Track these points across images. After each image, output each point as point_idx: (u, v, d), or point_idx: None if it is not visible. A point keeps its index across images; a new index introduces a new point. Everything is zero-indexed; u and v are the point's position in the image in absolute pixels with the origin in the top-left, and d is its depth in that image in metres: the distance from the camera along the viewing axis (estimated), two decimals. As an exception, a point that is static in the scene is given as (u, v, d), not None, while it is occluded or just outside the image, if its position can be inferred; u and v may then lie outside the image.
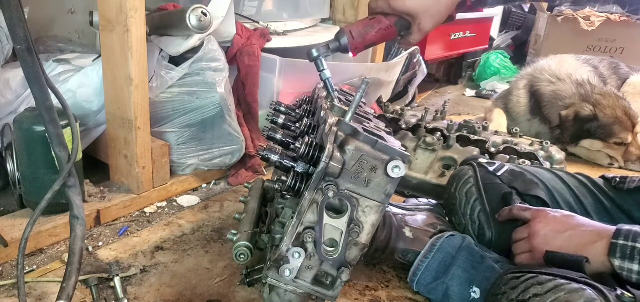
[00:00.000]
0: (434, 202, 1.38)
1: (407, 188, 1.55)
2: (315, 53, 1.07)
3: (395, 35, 1.09)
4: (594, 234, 0.86)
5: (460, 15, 3.77)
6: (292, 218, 0.81)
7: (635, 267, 0.78)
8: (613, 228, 0.84)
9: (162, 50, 1.53)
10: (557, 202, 1.07)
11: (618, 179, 1.06)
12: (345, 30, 1.07)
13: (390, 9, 1.06)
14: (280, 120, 1.13)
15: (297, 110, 1.24)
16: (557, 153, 1.57)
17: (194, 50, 1.53)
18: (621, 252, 0.79)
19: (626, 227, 0.82)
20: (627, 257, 0.79)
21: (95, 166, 1.56)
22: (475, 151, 1.53)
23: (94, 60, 1.55)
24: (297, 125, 1.10)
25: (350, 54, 1.09)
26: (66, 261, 0.97)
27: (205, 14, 1.43)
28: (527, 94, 2.55)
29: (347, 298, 1.16)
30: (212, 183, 1.72)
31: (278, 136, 1.00)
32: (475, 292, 0.96)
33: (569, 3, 3.97)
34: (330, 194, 0.76)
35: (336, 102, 1.02)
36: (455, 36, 3.42)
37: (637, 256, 0.78)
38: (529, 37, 4.42)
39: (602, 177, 1.12)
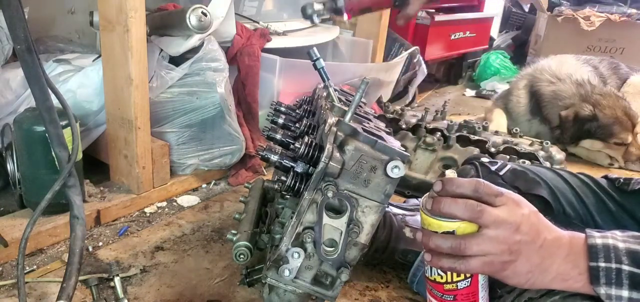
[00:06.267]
0: (434, 202, 1.38)
1: (407, 188, 1.55)
2: (309, 10, 1.06)
3: (389, 4, 1.09)
4: (564, 248, 0.70)
5: (460, 15, 3.73)
6: (292, 218, 0.81)
7: (624, 293, 0.65)
8: (582, 239, 0.70)
9: (162, 50, 1.53)
10: (559, 201, 1.07)
11: (621, 180, 1.05)
12: None
13: None
14: (280, 120, 1.13)
15: (297, 111, 1.24)
16: (557, 153, 1.57)
17: (194, 50, 1.53)
18: (606, 278, 0.66)
19: (599, 240, 0.68)
20: (614, 283, 0.65)
21: (95, 166, 1.56)
22: (476, 151, 1.53)
23: (94, 60, 1.55)
24: (297, 125, 1.10)
25: (345, 16, 1.08)
26: (66, 261, 0.98)
27: (205, 14, 1.43)
28: (527, 94, 2.55)
29: (347, 298, 1.16)
30: (212, 183, 1.72)
31: (278, 136, 1.00)
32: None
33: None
34: (330, 194, 0.76)
35: (331, 90, 1.02)
36: (455, 36, 3.42)
37: (626, 279, 0.65)
38: (529, 37, 4.41)
39: (605, 177, 1.11)
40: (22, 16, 0.84)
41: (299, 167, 0.84)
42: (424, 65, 2.83)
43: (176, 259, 1.26)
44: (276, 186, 0.87)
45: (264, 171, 1.76)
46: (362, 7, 1.08)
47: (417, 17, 3.00)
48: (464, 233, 0.72)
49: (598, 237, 0.69)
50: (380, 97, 2.22)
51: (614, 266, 0.66)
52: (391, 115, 1.75)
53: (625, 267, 0.65)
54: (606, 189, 1.06)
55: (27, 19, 0.86)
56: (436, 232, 0.73)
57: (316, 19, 1.06)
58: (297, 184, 0.84)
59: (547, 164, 1.48)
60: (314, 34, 2.08)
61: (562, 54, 2.72)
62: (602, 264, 0.67)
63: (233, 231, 0.99)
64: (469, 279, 0.75)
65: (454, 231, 0.72)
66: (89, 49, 1.83)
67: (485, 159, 1.21)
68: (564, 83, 2.41)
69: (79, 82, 1.48)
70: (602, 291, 0.66)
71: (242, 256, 0.94)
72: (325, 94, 1.11)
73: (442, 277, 0.77)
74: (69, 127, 1.13)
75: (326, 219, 0.80)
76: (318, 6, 1.06)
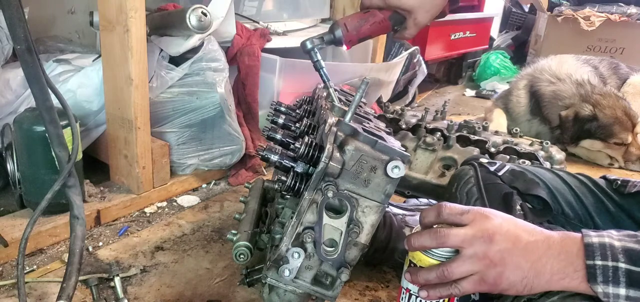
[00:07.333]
0: (434, 202, 1.38)
1: (407, 188, 1.55)
2: (309, 45, 1.06)
3: (389, 29, 1.09)
4: (555, 247, 0.69)
5: (460, 15, 3.73)
6: (292, 218, 0.81)
7: (622, 291, 0.64)
8: (578, 239, 0.69)
9: (162, 50, 1.53)
10: (558, 201, 1.07)
11: (619, 182, 1.05)
12: (340, 23, 1.07)
13: (384, 4, 1.05)
14: (280, 120, 1.13)
15: (297, 111, 1.24)
16: (557, 153, 1.57)
17: (194, 50, 1.53)
18: (603, 276, 0.65)
19: (595, 238, 0.67)
20: (611, 281, 0.65)
21: (95, 166, 1.56)
22: (475, 151, 1.52)
23: (94, 60, 1.55)
24: (297, 125, 1.10)
25: (344, 47, 1.08)
26: (66, 261, 0.98)
27: (205, 14, 1.43)
28: (527, 94, 2.55)
29: (347, 298, 1.16)
30: (212, 183, 1.72)
31: (278, 136, 1.00)
32: (475, 293, 0.95)
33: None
34: (330, 194, 0.76)
35: (332, 91, 1.02)
36: (455, 36, 3.42)
37: (623, 277, 0.64)
38: (529, 37, 4.42)
39: (603, 177, 1.12)
40: (22, 16, 0.84)
41: (299, 167, 0.84)
42: (424, 65, 2.83)
43: (176, 259, 1.26)
44: (276, 186, 0.87)
45: (264, 171, 1.76)
46: (361, 37, 1.07)
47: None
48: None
49: (594, 236, 0.68)
50: (380, 97, 2.22)
51: (610, 263, 0.66)
52: (391, 115, 1.75)
53: (622, 265, 0.65)
54: (605, 189, 1.06)
55: (27, 19, 0.86)
56: (422, 267, 0.76)
57: (317, 53, 1.07)
58: (297, 184, 0.84)
59: (547, 164, 1.48)
60: (314, 34, 2.08)
61: (562, 54, 2.72)
62: (599, 262, 0.66)
63: (233, 231, 0.99)
64: None
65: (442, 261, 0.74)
66: (89, 49, 1.82)
67: (484, 160, 1.21)
68: (564, 83, 2.41)
69: (79, 82, 1.48)
70: (600, 289, 0.65)
71: (242, 256, 0.94)
72: (325, 94, 1.11)
73: None
74: (69, 127, 1.13)
75: (326, 219, 0.80)
76: (317, 40, 1.06)
